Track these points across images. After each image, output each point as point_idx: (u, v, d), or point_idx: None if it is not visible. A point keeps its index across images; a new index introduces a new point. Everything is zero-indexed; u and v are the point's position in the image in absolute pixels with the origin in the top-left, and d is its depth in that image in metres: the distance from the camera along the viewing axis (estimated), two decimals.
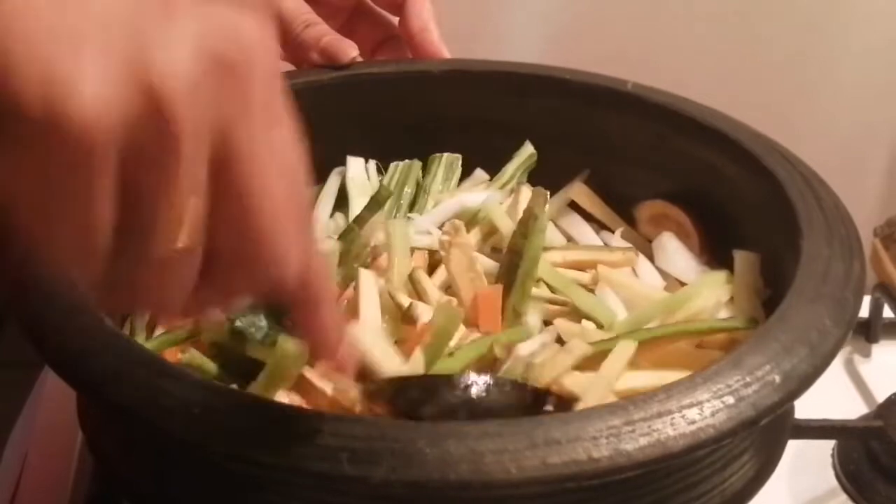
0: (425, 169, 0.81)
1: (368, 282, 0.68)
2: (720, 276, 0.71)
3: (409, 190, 0.79)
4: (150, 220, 0.40)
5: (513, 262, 0.70)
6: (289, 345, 0.61)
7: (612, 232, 0.79)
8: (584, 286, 0.72)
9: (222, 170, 0.40)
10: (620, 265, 0.74)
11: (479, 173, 0.82)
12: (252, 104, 0.41)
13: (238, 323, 0.64)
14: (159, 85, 0.38)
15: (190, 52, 0.39)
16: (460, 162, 0.81)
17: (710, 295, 0.70)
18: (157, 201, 0.39)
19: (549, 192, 0.79)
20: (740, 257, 0.72)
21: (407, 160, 0.81)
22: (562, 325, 0.68)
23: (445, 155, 0.81)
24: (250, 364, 0.64)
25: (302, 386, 0.61)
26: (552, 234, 0.77)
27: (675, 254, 0.75)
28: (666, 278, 0.75)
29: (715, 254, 0.75)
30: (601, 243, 0.78)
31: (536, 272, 0.70)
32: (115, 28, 0.37)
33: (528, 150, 0.81)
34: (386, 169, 0.82)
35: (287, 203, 0.42)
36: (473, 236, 0.75)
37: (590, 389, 0.61)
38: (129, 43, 0.37)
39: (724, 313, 0.70)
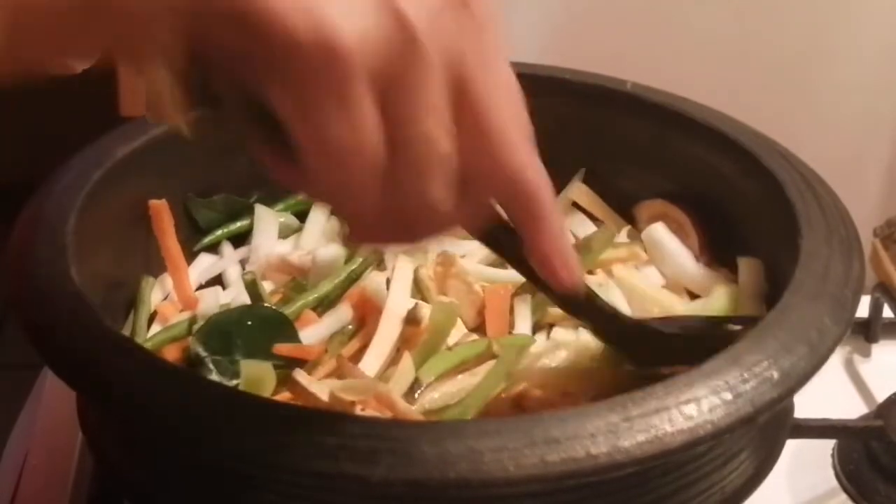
0: None
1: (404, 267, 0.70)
2: (727, 294, 0.71)
3: None
4: (409, 136, 0.46)
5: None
6: (252, 368, 0.62)
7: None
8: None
9: (461, 93, 0.47)
10: (627, 260, 0.74)
11: None
12: (483, 37, 0.47)
13: (200, 352, 0.66)
14: (407, 16, 0.44)
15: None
16: None
17: (718, 311, 0.70)
18: (413, 119, 0.46)
19: None
20: (744, 265, 0.72)
21: None
22: (559, 333, 0.69)
23: None
24: None
25: (294, 389, 0.61)
26: None
27: (668, 247, 0.75)
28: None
29: (715, 253, 0.75)
30: None
31: None
32: None
33: None
34: None
35: (515, 121, 0.49)
36: None
37: None
38: None
39: None
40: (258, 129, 0.48)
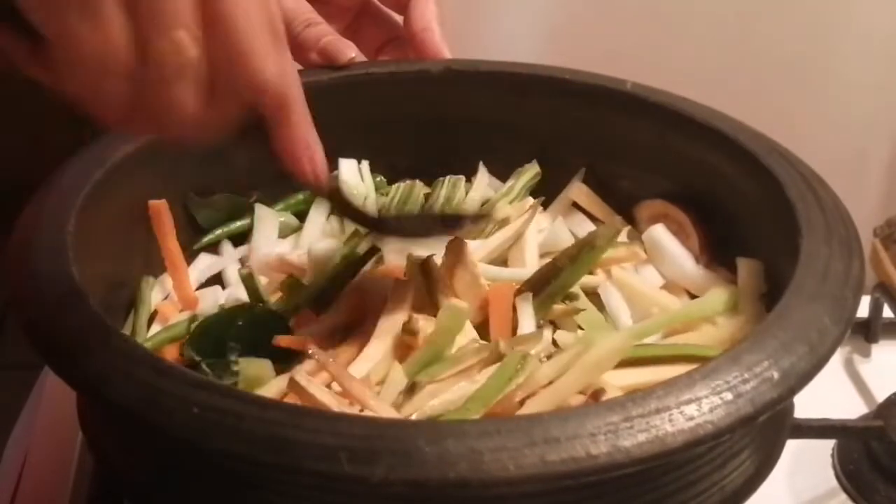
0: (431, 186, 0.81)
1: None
2: (725, 294, 0.71)
3: (410, 207, 0.80)
4: (156, 42, 0.49)
5: (547, 275, 0.70)
6: (251, 366, 0.63)
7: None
8: (593, 289, 0.73)
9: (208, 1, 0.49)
10: (626, 260, 0.74)
11: (483, 172, 0.82)
12: None
13: (194, 357, 0.67)
14: None
15: None
16: (463, 182, 0.81)
17: (715, 310, 0.70)
18: (160, 25, 0.48)
19: (550, 193, 0.80)
20: (744, 265, 0.72)
21: (409, 180, 0.81)
22: (561, 336, 0.68)
23: (448, 177, 0.81)
24: None
25: (295, 389, 0.61)
26: (562, 234, 0.77)
27: (668, 248, 0.75)
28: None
29: (714, 253, 0.75)
30: None
31: (565, 293, 0.70)
32: None
33: (534, 168, 0.81)
34: (384, 171, 0.82)
35: (262, 23, 0.51)
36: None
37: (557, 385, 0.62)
38: None
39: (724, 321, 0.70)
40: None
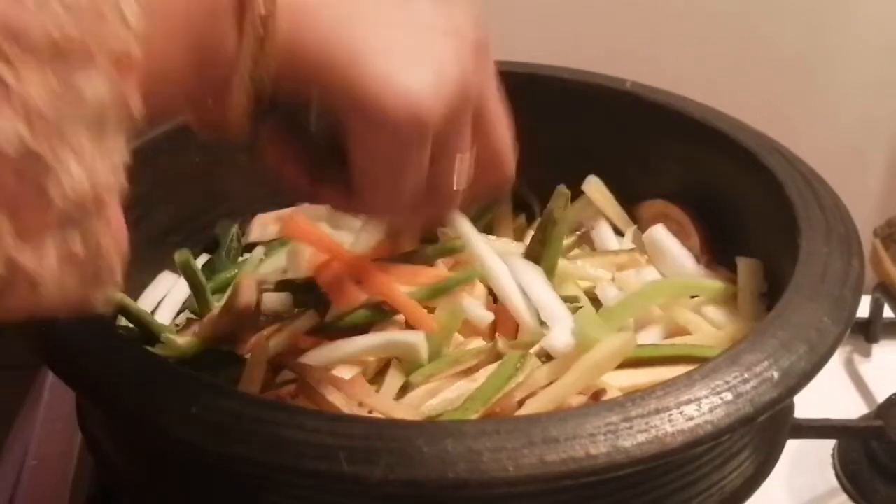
0: None
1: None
2: (722, 290, 0.71)
3: None
4: (449, 166, 0.55)
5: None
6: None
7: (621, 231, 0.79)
8: (592, 290, 0.72)
9: (480, 118, 0.55)
10: (628, 267, 0.74)
11: None
12: (490, 66, 0.56)
13: None
14: (468, 77, 0.52)
15: (470, 49, 0.52)
16: None
17: (714, 289, 0.70)
18: (453, 153, 0.54)
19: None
20: (744, 265, 0.72)
21: None
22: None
23: None
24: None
25: (304, 389, 0.61)
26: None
27: (669, 248, 0.75)
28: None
29: (714, 253, 0.75)
30: (616, 243, 0.78)
31: (554, 281, 0.70)
32: (426, 41, 0.51)
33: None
34: None
35: (510, 135, 0.59)
36: None
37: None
38: (439, 48, 0.51)
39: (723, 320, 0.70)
40: (300, 147, 0.55)
